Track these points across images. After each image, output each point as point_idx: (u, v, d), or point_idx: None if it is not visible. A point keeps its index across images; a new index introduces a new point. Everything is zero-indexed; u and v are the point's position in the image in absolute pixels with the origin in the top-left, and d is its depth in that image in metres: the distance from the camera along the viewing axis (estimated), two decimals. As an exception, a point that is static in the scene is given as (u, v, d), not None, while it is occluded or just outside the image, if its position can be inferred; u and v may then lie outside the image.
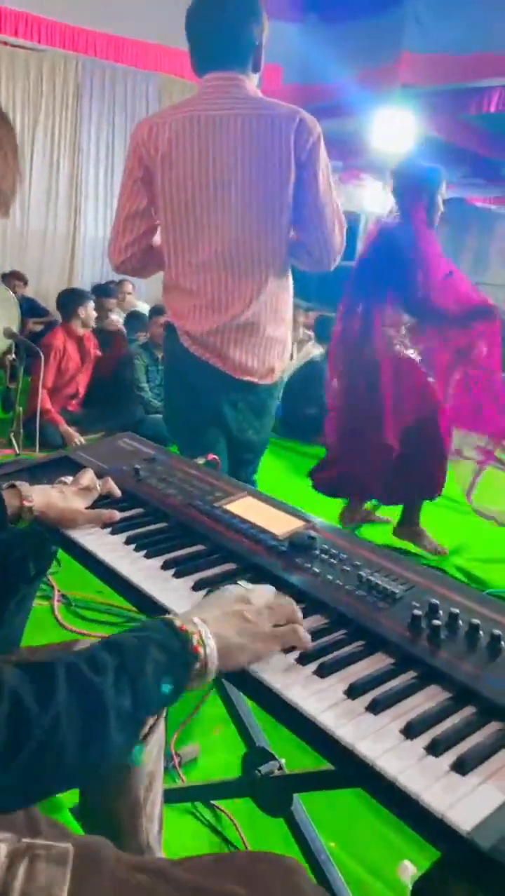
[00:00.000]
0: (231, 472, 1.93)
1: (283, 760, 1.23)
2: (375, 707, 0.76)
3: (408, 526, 3.28)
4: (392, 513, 3.47)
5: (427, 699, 0.79)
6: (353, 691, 0.78)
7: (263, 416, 2.05)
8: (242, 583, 0.89)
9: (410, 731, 0.73)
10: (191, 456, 1.95)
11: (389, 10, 5.31)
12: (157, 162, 1.84)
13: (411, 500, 3.25)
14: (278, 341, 1.98)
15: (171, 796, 1.46)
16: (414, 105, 6.06)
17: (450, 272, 2.95)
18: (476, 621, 0.85)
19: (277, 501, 1.22)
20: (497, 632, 0.83)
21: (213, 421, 1.97)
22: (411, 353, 3.02)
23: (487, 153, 7.75)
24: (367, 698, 0.77)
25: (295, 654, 0.84)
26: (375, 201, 9.64)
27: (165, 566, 1.03)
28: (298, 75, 6.12)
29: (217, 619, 0.81)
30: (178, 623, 0.78)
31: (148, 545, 1.09)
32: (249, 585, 0.89)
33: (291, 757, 1.29)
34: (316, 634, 0.87)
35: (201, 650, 0.76)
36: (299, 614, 0.87)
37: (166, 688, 0.74)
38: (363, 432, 3.05)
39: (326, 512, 3.44)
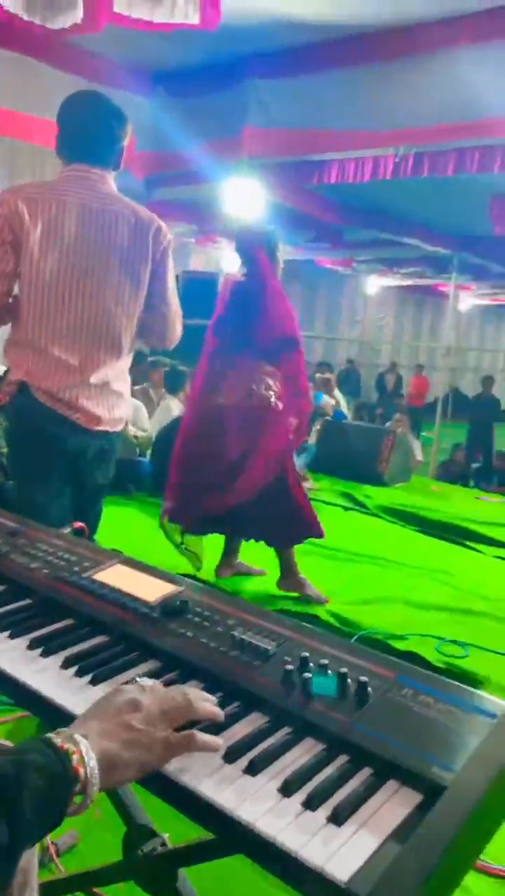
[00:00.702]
0: (80, 517, 2.02)
1: (166, 835, 1.20)
2: (253, 769, 0.77)
3: (289, 577, 3.34)
4: (266, 564, 3.53)
5: (303, 753, 0.81)
6: (230, 756, 0.79)
7: (110, 461, 2.27)
8: (142, 679, 0.82)
9: (287, 788, 0.74)
10: (39, 504, 2.05)
11: (231, 87, 5.64)
12: (30, 234, 1.99)
13: (281, 542, 3.34)
14: (122, 395, 2.23)
15: (48, 890, 1.36)
16: (261, 174, 6.42)
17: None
18: (344, 670, 0.89)
19: (148, 567, 1.22)
20: (363, 678, 0.87)
21: (65, 468, 2.15)
22: (273, 399, 3.18)
23: (331, 219, 8.33)
24: (243, 761, 0.78)
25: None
26: (230, 263, 10.03)
27: (32, 646, 0.99)
28: (150, 144, 6.31)
29: (101, 732, 0.74)
30: (57, 741, 0.71)
31: (11, 625, 1.04)
32: (148, 681, 0.82)
33: (175, 829, 1.25)
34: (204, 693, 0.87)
35: (82, 770, 0.70)
36: (205, 708, 0.81)
37: (45, 816, 0.68)
38: (211, 474, 3.18)
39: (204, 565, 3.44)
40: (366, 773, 0.77)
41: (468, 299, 16.07)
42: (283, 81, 5.48)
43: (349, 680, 0.88)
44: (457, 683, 0.90)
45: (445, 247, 9.55)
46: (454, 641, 2.97)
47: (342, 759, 0.80)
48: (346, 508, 5.48)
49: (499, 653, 2.92)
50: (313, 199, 7.55)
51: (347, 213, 8.20)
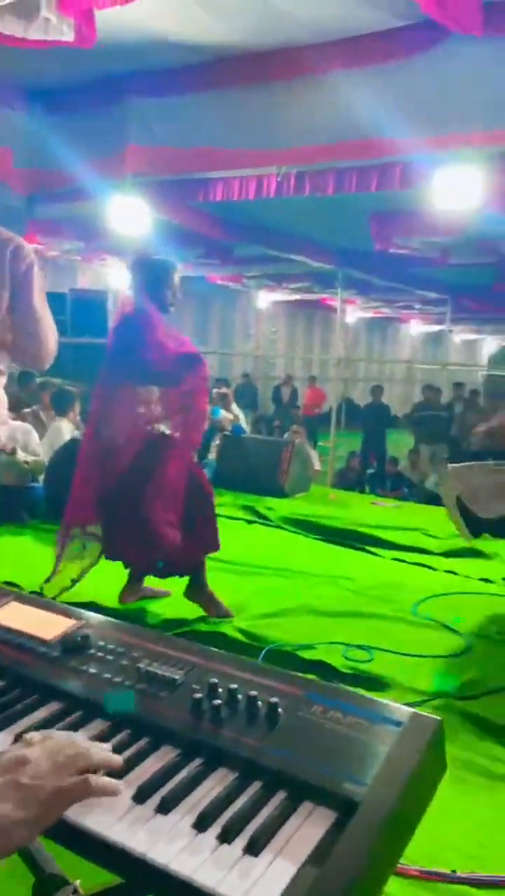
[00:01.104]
0: None
1: (77, 882, 1.14)
2: (165, 807, 0.74)
3: (197, 587, 3.32)
4: (171, 584, 3.48)
5: (216, 784, 0.79)
6: (140, 796, 0.76)
7: None
8: (29, 735, 0.77)
9: (202, 823, 0.72)
10: None
11: (111, 106, 5.60)
12: None
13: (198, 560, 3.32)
14: None
15: None
16: (146, 192, 6.40)
17: (176, 344, 3.25)
18: (253, 693, 0.88)
19: (46, 601, 1.17)
20: (273, 699, 0.86)
21: None
22: (164, 427, 3.19)
23: (219, 236, 8.41)
24: (155, 799, 0.75)
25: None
26: (119, 280, 9.92)
27: None
28: (29, 160, 6.15)
29: None
30: None
31: None
32: (37, 735, 0.76)
33: (87, 874, 1.20)
34: (97, 742, 0.83)
35: None
36: (100, 755, 0.77)
37: None
38: (126, 510, 3.16)
39: (103, 592, 3.35)
40: (280, 796, 0.76)
41: (355, 312, 16.70)
42: (164, 100, 5.51)
43: (259, 703, 0.87)
44: (364, 695, 0.91)
45: (329, 263, 9.87)
46: (359, 646, 3.04)
47: (256, 786, 0.78)
48: (248, 522, 5.51)
49: (400, 653, 3.01)
50: (200, 217, 7.61)
51: (234, 229, 8.32)
